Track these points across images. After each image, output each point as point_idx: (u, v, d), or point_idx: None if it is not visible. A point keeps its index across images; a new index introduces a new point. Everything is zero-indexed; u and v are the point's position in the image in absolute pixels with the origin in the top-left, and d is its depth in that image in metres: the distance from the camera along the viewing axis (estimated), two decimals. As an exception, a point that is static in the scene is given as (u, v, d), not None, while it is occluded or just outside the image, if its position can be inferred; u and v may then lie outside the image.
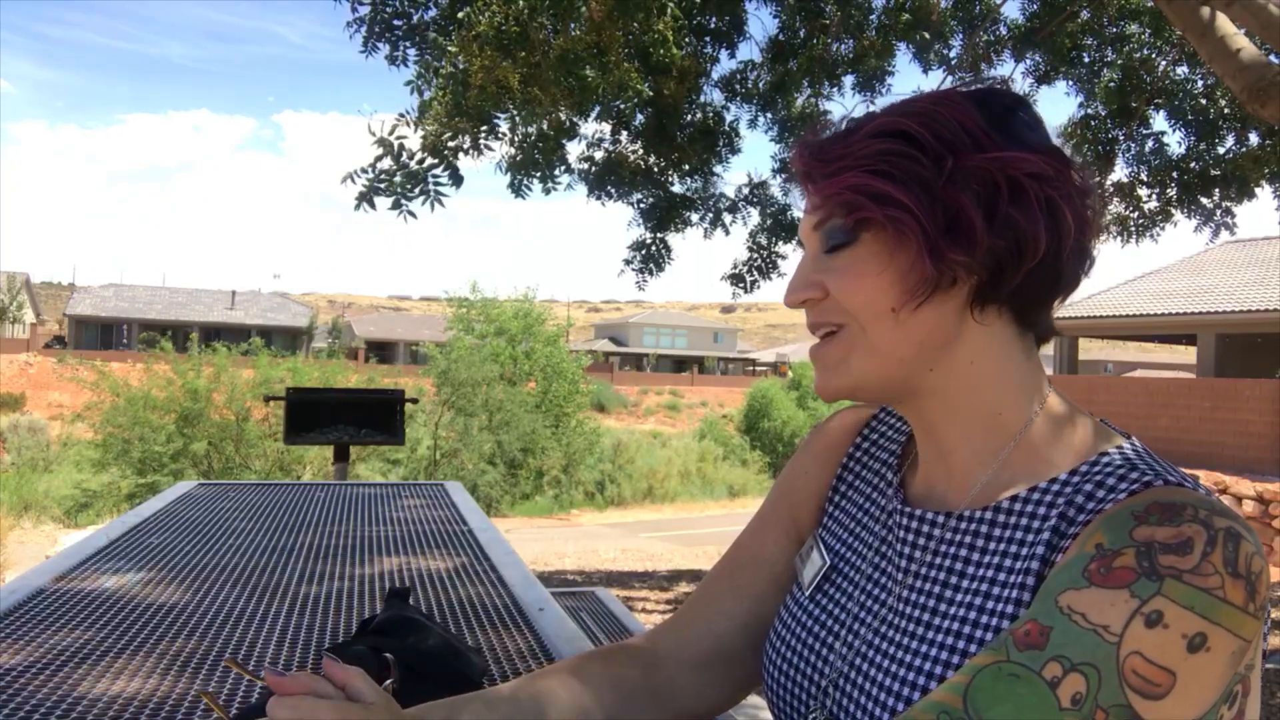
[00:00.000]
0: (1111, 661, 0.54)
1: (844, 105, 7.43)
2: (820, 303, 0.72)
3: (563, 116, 5.87)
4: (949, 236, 0.66)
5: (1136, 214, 7.22)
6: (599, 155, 7.14)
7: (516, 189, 6.06)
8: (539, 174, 6.01)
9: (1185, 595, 0.54)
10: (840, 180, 0.69)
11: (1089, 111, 7.02)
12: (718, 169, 7.36)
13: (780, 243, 7.51)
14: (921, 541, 0.73)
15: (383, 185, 5.25)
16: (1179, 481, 0.62)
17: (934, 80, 6.90)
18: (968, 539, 0.70)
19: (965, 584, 0.68)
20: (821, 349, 0.73)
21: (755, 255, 7.59)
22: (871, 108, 0.73)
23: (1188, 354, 23.33)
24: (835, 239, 0.70)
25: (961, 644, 0.66)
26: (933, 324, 0.69)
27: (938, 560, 0.71)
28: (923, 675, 0.66)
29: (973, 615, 0.66)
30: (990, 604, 0.66)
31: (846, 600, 0.77)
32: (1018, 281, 0.67)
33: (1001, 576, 0.66)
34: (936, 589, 0.70)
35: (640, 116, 6.81)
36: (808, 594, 0.80)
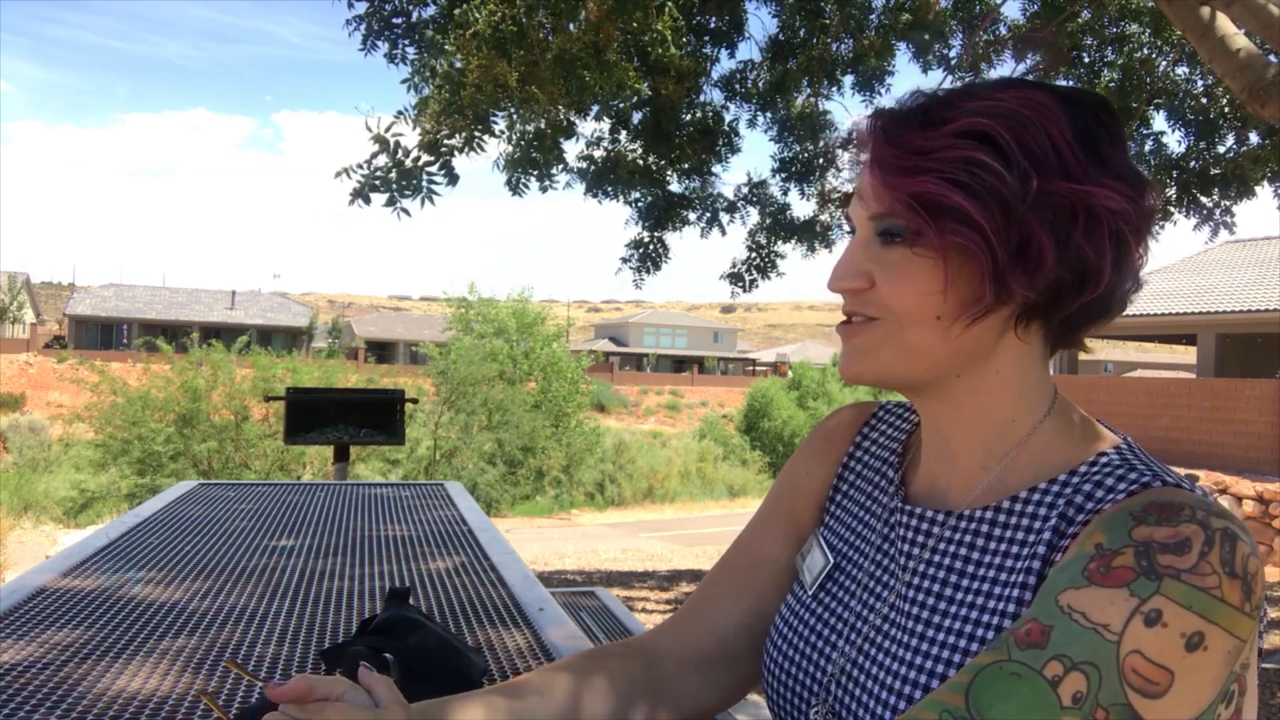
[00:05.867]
0: (1112, 660, 0.54)
1: (844, 105, 7.44)
2: (864, 293, 0.70)
3: (560, 115, 5.87)
4: (1016, 264, 0.64)
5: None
6: (598, 154, 7.15)
7: (514, 187, 6.07)
8: (536, 172, 6.02)
9: (1184, 594, 0.55)
10: (914, 182, 0.65)
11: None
12: (717, 168, 7.37)
13: (779, 242, 7.52)
14: (923, 540, 0.73)
15: (378, 182, 5.25)
16: (1175, 482, 0.62)
17: (934, 80, 6.91)
18: (969, 538, 0.70)
19: (966, 583, 0.69)
20: (852, 332, 0.71)
21: (754, 254, 7.60)
22: (955, 81, 0.69)
23: (1188, 354, 23.32)
24: (893, 229, 0.68)
25: (963, 643, 0.66)
26: (975, 338, 0.68)
27: (939, 559, 0.71)
28: (924, 673, 0.66)
29: (974, 614, 0.66)
30: (991, 603, 0.66)
31: (849, 599, 0.77)
32: (1072, 311, 0.67)
33: (1003, 576, 0.67)
34: (938, 588, 0.70)
35: (639, 116, 6.81)
36: (810, 593, 0.80)
